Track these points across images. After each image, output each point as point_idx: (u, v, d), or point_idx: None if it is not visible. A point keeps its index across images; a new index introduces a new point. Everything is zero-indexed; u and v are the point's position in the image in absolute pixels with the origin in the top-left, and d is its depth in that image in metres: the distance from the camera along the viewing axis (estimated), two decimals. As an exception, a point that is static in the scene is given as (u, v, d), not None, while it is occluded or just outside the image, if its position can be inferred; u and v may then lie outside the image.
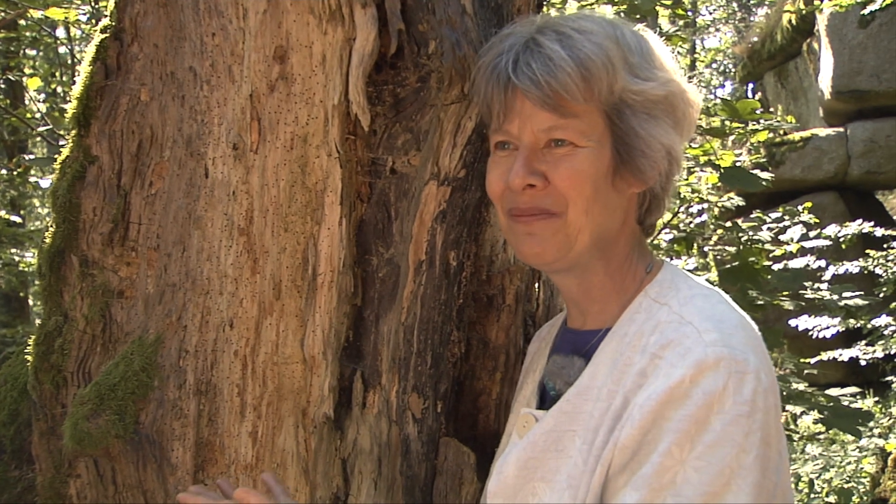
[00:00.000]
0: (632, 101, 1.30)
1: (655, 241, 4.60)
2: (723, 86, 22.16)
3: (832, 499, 6.10)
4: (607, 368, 1.31)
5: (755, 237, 4.31)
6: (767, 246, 4.33)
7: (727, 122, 4.08)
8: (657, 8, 4.36)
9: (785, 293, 4.09)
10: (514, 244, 1.39)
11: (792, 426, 7.03)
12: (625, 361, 1.29)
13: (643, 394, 1.22)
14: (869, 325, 6.01)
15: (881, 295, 6.13)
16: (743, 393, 1.18)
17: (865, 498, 5.67)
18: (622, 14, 4.20)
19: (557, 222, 1.31)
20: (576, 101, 1.27)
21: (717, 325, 1.24)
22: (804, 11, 10.66)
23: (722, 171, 3.91)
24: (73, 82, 1.81)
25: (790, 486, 1.27)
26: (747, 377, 1.19)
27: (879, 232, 5.77)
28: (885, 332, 6.12)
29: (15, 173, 6.85)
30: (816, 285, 4.51)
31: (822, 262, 5.03)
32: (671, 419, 1.18)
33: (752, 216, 4.74)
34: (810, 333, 5.25)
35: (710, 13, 22.11)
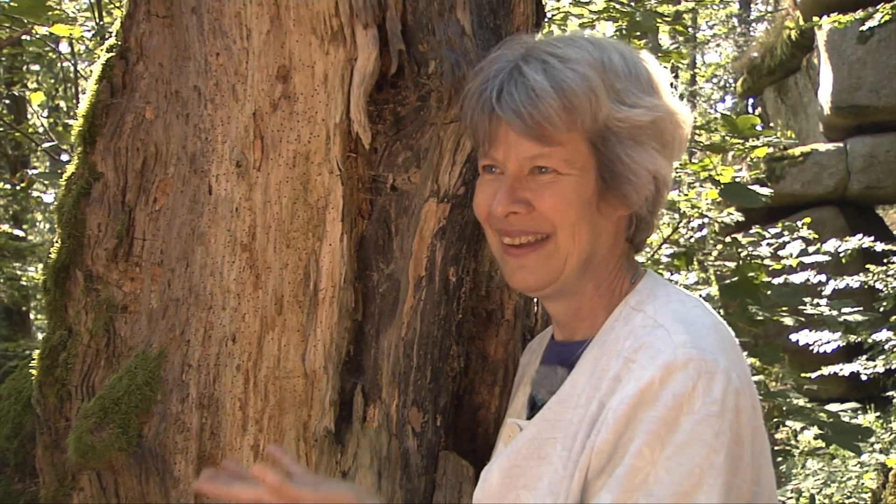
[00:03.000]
0: (617, 129, 1.30)
1: (656, 256, 4.62)
2: (723, 100, 22.23)
3: (833, 514, 6.08)
4: (586, 376, 1.33)
5: (755, 252, 4.33)
6: (767, 261, 4.35)
7: (727, 138, 4.11)
8: (657, 24, 4.39)
9: (785, 308, 4.11)
10: (503, 272, 1.42)
11: (793, 441, 7.02)
12: (602, 368, 1.30)
13: (616, 398, 1.24)
14: (869, 340, 6.01)
15: (881, 310, 6.13)
16: (712, 393, 1.19)
17: (866, 513, 5.66)
18: (624, 30, 4.23)
19: (549, 247, 1.33)
20: (558, 131, 1.28)
21: (688, 327, 1.26)
22: (803, 27, 10.71)
23: (722, 186, 3.94)
24: (77, 98, 1.84)
25: (773, 484, 1.28)
26: (717, 377, 1.20)
27: (879, 247, 5.78)
28: (886, 347, 6.12)
29: (18, 188, 6.88)
30: (816, 300, 4.52)
31: (822, 277, 5.04)
32: (642, 421, 1.19)
33: (751, 231, 4.76)
34: (811, 348, 5.26)
35: (710, 28, 22.20)
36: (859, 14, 5.94)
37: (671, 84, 1.38)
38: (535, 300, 1.84)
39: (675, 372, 1.20)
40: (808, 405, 3.92)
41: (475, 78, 1.38)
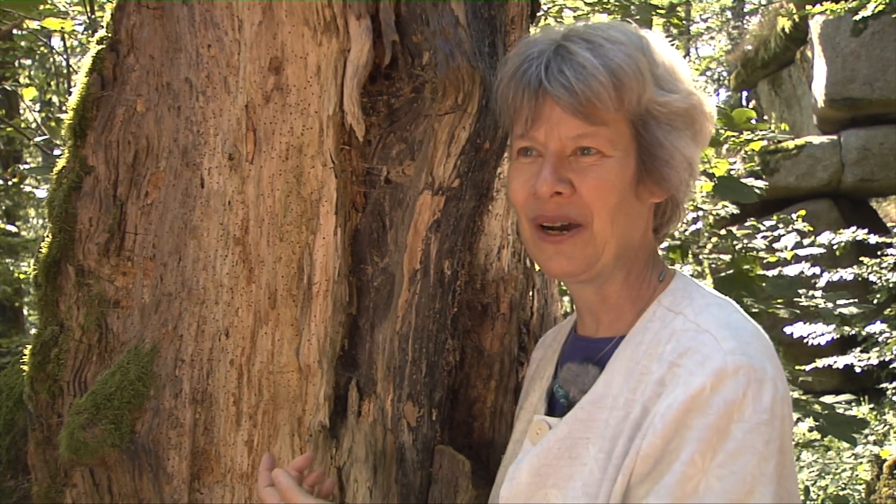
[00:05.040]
0: (657, 113, 1.31)
1: (650, 249, 4.61)
2: (717, 93, 22.23)
3: (828, 506, 6.10)
4: (622, 377, 1.31)
5: (749, 245, 4.33)
6: (762, 254, 4.35)
7: (722, 131, 4.10)
8: (652, 16, 4.38)
9: (779, 301, 4.11)
10: (538, 259, 1.39)
11: (788, 433, 7.02)
12: (641, 370, 1.29)
13: (663, 402, 1.22)
14: (863, 332, 6.02)
15: (875, 302, 6.14)
16: (762, 401, 1.19)
17: (861, 505, 5.68)
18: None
19: (585, 235, 1.32)
20: (606, 110, 1.28)
21: (735, 333, 1.25)
22: (797, 18, 10.72)
23: (716, 181, 3.93)
24: (69, 92, 1.82)
25: (798, 490, 1.28)
26: (766, 385, 1.19)
27: (873, 239, 5.79)
28: (880, 339, 6.14)
29: (10, 183, 6.84)
30: (811, 293, 4.52)
31: (817, 270, 5.04)
32: (692, 428, 1.18)
33: (746, 224, 4.76)
34: (805, 341, 5.26)
35: (704, 21, 22.19)
36: (852, 3, 5.94)
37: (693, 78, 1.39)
38: (532, 294, 1.83)
39: (725, 379, 1.19)
40: (803, 397, 3.92)
41: (511, 59, 1.37)
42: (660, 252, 1.50)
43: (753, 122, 4.03)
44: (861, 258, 6.54)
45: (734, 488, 1.16)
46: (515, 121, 1.36)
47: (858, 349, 6.42)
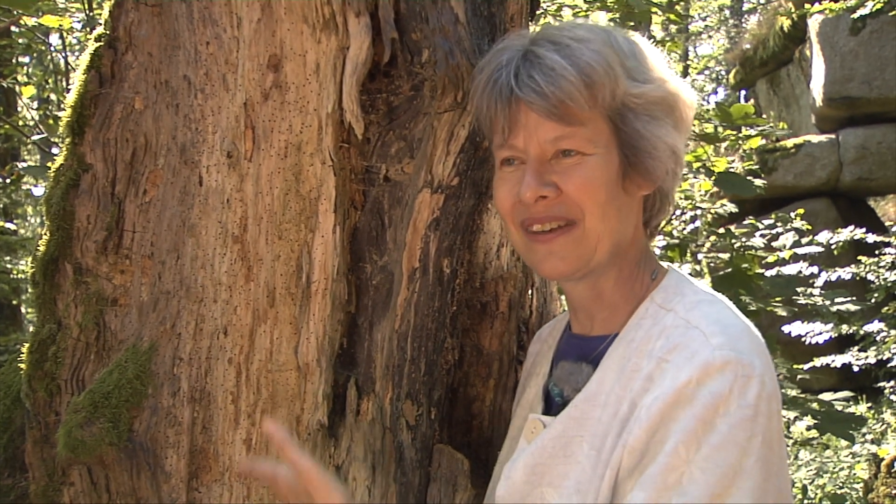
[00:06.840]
0: (633, 105, 1.31)
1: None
2: (715, 92, 22.25)
3: (826, 504, 6.11)
4: (615, 374, 1.31)
5: (748, 244, 4.33)
6: (760, 252, 4.35)
7: (720, 129, 4.09)
8: (652, 13, 4.37)
9: (778, 299, 4.11)
10: (531, 261, 1.38)
11: (785, 432, 7.05)
12: (632, 367, 1.29)
13: (650, 396, 1.23)
14: (861, 331, 6.04)
15: (873, 301, 6.15)
16: (747, 396, 1.19)
17: (859, 503, 5.69)
18: (617, 20, 4.22)
19: (577, 232, 1.31)
20: (580, 109, 1.27)
21: (724, 329, 1.25)
22: (795, 17, 10.72)
23: (716, 175, 3.93)
24: (67, 90, 1.81)
25: (790, 489, 1.28)
26: (752, 381, 1.20)
27: (871, 238, 5.80)
28: (878, 338, 6.15)
29: (8, 181, 6.84)
30: (809, 291, 4.53)
31: (815, 269, 5.05)
32: (678, 419, 1.19)
33: (744, 223, 4.76)
34: (803, 339, 5.27)
35: (703, 20, 22.20)
36: (851, 2, 5.94)
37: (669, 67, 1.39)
38: (531, 292, 1.83)
39: (712, 373, 1.20)
40: (801, 395, 3.92)
41: (483, 69, 1.37)
42: (658, 251, 1.50)
43: (752, 116, 4.02)
44: (859, 257, 6.55)
45: (717, 481, 1.16)
46: (493, 131, 1.36)
47: (856, 348, 6.44)
